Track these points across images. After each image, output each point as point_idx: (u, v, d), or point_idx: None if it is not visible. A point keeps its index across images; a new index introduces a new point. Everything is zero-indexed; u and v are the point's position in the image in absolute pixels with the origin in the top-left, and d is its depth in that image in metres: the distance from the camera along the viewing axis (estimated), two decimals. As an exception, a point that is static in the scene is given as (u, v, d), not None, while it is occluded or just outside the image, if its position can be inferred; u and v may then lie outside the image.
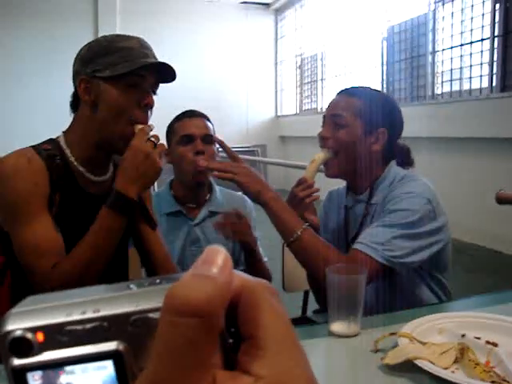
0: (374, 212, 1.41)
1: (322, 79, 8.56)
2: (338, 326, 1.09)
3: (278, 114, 10.14)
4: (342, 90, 1.50)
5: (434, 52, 5.73)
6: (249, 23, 9.77)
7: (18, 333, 0.23)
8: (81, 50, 1.28)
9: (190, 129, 1.71)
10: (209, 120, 1.78)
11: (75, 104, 1.29)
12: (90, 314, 0.23)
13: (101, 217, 1.17)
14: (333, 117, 1.43)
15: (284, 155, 9.10)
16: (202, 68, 9.23)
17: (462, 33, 5.27)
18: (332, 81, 8.24)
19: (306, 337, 1.10)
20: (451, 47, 5.44)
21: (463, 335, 1.02)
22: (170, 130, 1.77)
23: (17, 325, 0.23)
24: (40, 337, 0.23)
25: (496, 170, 4.66)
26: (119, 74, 1.20)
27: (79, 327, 0.23)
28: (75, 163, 1.27)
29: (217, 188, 1.84)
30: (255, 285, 0.24)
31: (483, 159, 4.94)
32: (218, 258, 0.23)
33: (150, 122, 1.24)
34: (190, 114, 1.76)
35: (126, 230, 1.39)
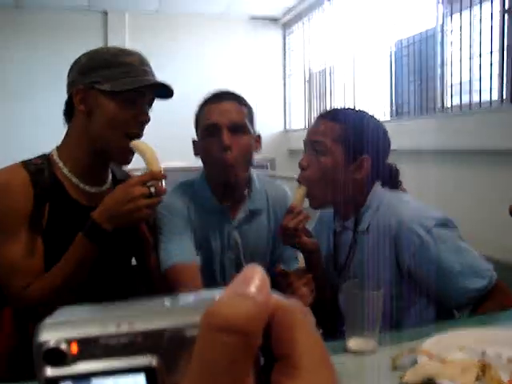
0: (362, 242, 1.37)
1: (330, 93, 8.57)
2: (355, 343, 1.06)
3: (287, 127, 10.15)
4: (322, 114, 1.45)
5: (442, 65, 5.72)
6: (257, 37, 9.84)
7: (53, 343, 0.23)
8: (79, 58, 1.28)
9: (215, 116, 1.43)
10: (243, 103, 1.49)
11: (69, 113, 1.29)
12: (124, 328, 0.23)
13: (74, 244, 1.16)
14: (312, 143, 1.38)
15: (292, 169, 9.08)
16: (210, 81, 9.26)
17: (470, 45, 5.26)
18: (341, 94, 8.24)
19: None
20: (460, 60, 5.43)
21: (484, 352, 0.99)
22: (196, 118, 1.53)
23: (52, 335, 0.23)
24: (74, 348, 0.23)
25: (507, 183, 4.61)
26: (122, 90, 1.22)
27: (114, 341, 0.23)
28: (68, 175, 1.27)
29: (256, 180, 1.59)
30: (290, 306, 0.24)
31: (494, 172, 4.89)
32: (256, 277, 0.23)
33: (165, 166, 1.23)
34: (217, 98, 1.48)
35: (127, 246, 1.38)
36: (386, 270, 1.30)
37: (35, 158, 1.28)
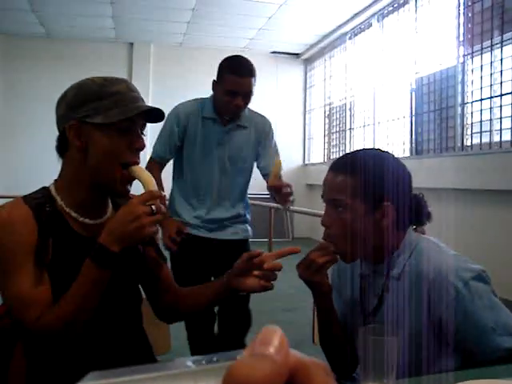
0: (393, 288, 1.33)
1: (350, 129, 8.61)
2: (369, 388, 1.04)
3: (306, 162, 10.18)
4: (334, 165, 1.37)
5: (463, 104, 5.73)
6: (279, 72, 9.98)
7: None
8: (65, 93, 1.27)
9: (236, 87, 2.24)
10: (254, 75, 2.32)
11: (62, 148, 1.28)
12: None
13: (84, 268, 1.16)
14: (330, 200, 1.34)
15: (311, 203, 9.07)
16: (231, 115, 9.39)
17: (491, 85, 5.27)
18: (360, 131, 8.27)
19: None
20: (480, 99, 5.43)
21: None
22: (221, 72, 2.30)
23: None
24: None
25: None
26: (115, 121, 1.20)
27: None
28: (67, 209, 1.26)
29: (247, 110, 2.41)
30: (310, 364, 0.25)
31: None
32: (274, 338, 0.24)
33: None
34: (240, 72, 2.26)
35: (134, 270, 1.38)
36: (417, 318, 1.26)
37: (35, 193, 1.28)
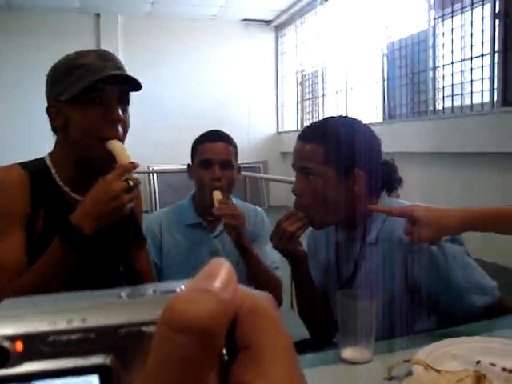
0: (370, 254, 1.34)
1: (323, 95, 8.58)
2: (349, 352, 1.06)
3: (280, 130, 10.15)
4: (303, 135, 1.37)
5: (434, 67, 5.75)
6: (250, 40, 9.84)
7: None
8: (47, 73, 1.24)
9: (209, 154, 1.74)
10: (230, 142, 1.80)
11: (52, 126, 1.27)
12: (76, 324, 0.21)
13: (51, 247, 1.11)
14: (301, 168, 1.34)
15: (285, 171, 9.08)
16: (203, 85, 9.28)
17: (462, 48, 5.29)
18: (333, 97, 8.26)
19: (315, 363, 1.06)
20: (452, 63, 5.46)
21: (478, 362, 0.99)
22: (193, 149, 1.81)
23: None
24: (19, 346, 0.20)
25: (499, 185, 4.63)
26: (76, 94, 1.15)
27: (64, 338, 0.21)
28: (60, 183, 1.24)
29: (234, 201, 1.84)
30: (257, 296, 0.22)
31: (486, 174, 4.92)
32: (221, 271, 0.21)
33: (134, 161, 1.16)
34: (211, 138, 1.78)
35: (116, 250, 1.35)
36: (393, 281, 1.29)
37: (32, 161, 1.25)
